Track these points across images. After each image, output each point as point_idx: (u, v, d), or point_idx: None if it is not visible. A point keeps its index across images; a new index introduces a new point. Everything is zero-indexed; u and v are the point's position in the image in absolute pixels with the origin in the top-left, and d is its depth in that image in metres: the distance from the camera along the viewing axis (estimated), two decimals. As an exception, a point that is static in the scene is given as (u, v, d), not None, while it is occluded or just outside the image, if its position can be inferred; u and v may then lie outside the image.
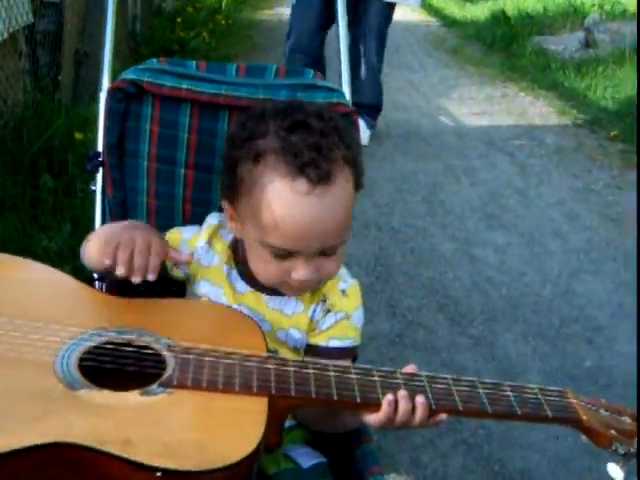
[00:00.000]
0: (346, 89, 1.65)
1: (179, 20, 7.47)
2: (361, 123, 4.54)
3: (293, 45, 4.57)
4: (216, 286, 1.34)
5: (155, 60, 1.46)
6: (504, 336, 2.81)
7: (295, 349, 1.34)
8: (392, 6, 4.61)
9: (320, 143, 1.15)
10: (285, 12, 9.63)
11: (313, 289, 1.30)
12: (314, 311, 1.32)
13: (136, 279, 1.21)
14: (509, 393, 1.13)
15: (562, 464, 2.19)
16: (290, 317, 1.32)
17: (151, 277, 1.21)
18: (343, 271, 1.38)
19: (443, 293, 3.06)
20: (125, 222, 1.38)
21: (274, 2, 10.57)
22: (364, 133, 4.73)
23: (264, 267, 1.24)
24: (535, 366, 2.63)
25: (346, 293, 1.33)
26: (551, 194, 4.15)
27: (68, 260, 2.64)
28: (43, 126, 3.49)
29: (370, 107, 4.83)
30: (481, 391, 1.13)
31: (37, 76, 4.08)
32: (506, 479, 2.14)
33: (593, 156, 4.74)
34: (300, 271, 1.20)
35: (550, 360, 2.67)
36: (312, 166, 1.13)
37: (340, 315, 1.32)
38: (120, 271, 1.20)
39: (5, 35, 3.41)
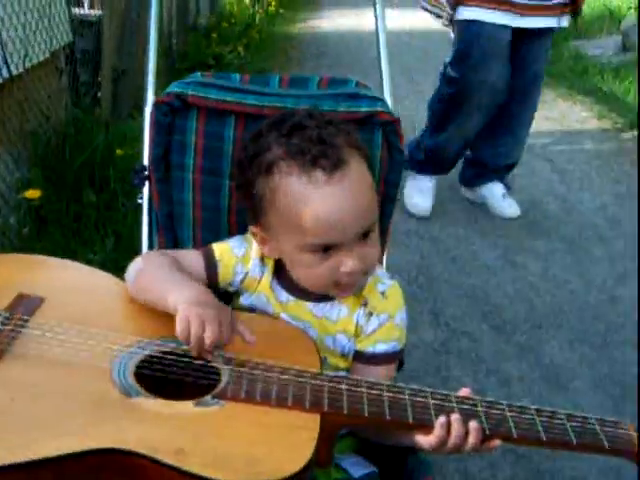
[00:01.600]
0: (388, 98, 1.64)
1: (214, 35, 7.52)
2: (496, 188, 3.85)
3: None
4: (264, 295, 1.35)
5: (199, 74, 1.47)
6: (550, 344, 2.77)
7: (343, 355, 1.34)
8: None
9: (321, 135, 1.19)
10: (319, 25, 9.68)
11: (362, 284, 1.31)
12: (358, 315, 1.33)
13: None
14: (565, 422, 1.11)
15: (613, 473, 2.15)
16: (335, 322, 1.33)
17: None
18: (381, 272, 1.39)
19: (486, 301, 3.03)
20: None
21: (307, 15, 10.60)
22: (503, 201, 3.81)
23: (311, 273, 1.25)
24: (583, 373, 2.59)
25: (385, 295, 1.34)
26: (592, 199, 4.09)
27: (111, 273, 2.65)
28: (85, 142, 3.53)
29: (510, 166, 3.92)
30: (537, 419, 1.11)
31: (77, 93, 4.15)
32: (556, 489, 2.11)
33: (634, 160, 4.66)
34: (347, 263, 1.21)
35: (598, 367, 2.63)
36: (322, 157, 1.17)
37: (383, 317, 1.32)
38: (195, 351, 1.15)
39: (47, 54, 3.47)
